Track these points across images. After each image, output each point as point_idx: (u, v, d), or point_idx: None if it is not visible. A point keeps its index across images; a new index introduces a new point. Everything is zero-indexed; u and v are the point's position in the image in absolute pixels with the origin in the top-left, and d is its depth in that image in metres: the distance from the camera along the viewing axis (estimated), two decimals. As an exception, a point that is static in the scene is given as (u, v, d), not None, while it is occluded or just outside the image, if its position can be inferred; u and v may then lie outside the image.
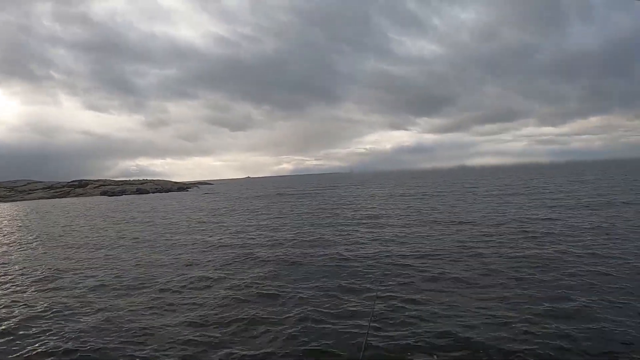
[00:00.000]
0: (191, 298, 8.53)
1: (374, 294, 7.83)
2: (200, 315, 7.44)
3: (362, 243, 14.06)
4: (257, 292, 8.71)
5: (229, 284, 9.43)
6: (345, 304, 7.85)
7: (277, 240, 15.52)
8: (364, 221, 19.90)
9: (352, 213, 23.87)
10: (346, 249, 13.10)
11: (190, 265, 11.83)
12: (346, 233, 16.41)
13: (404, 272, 9.94)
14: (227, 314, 7.49)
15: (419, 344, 5.98)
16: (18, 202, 65.75)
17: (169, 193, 71.59)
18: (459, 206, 24.80)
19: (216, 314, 7.51)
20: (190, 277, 10.21)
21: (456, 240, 13.84)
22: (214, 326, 6.94)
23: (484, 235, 14.48)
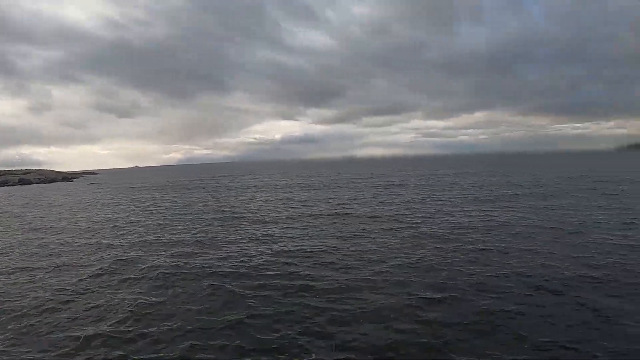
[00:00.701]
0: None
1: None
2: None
3: (240, 243, 13.34)
4: (103, 304, 8.25)
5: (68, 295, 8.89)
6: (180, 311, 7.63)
7: (147, 239, 14.68)
8: (245, 215, 19.33)
9: (234, 207, 23.29)
10: (222, 249, 12.47)
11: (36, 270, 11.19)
12: (227, 230, 15.80)
13: (279, 272, 9.76)
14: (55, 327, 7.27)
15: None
16: None
17: (54, 184, 70.09)
18: (344, 197, 24.98)
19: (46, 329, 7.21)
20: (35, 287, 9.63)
21: (336, 235, 13.74)
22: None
23: (367, 231, 14.28)
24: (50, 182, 74.13)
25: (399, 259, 10.50)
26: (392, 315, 7.08)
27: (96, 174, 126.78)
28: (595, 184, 27.97)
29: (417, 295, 7.94)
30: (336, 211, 19.20)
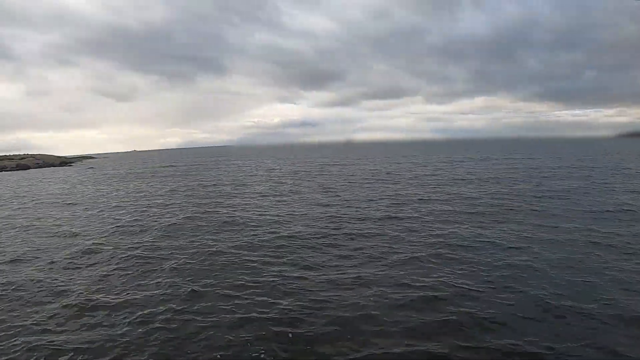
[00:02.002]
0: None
1: None
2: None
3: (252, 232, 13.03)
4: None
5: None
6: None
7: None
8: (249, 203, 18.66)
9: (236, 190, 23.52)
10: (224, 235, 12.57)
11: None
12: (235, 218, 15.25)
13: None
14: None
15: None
16: None
17: (51, 168, 68.24)
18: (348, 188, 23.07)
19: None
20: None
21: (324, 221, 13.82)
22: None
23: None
24: (48, 166, 71.90)
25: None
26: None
27: (94, 157, 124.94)
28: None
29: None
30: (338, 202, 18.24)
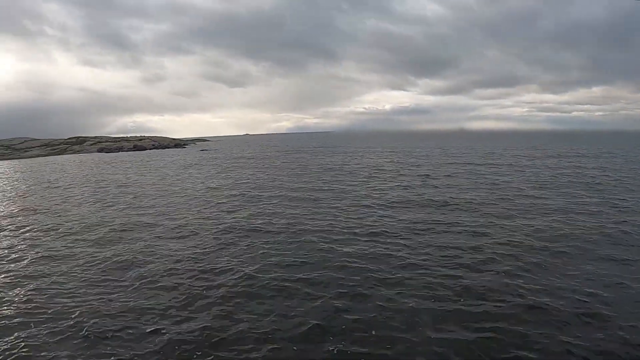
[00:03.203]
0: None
1: None
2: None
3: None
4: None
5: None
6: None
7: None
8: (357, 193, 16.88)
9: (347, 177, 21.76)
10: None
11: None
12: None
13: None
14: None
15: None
16: (15, 160, 63.59)
17: (166, 150, 69.85)
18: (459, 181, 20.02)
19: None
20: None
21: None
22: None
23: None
24: (163, 147, 74.03)
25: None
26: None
27: (207, 140, 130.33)
28: None
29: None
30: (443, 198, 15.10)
